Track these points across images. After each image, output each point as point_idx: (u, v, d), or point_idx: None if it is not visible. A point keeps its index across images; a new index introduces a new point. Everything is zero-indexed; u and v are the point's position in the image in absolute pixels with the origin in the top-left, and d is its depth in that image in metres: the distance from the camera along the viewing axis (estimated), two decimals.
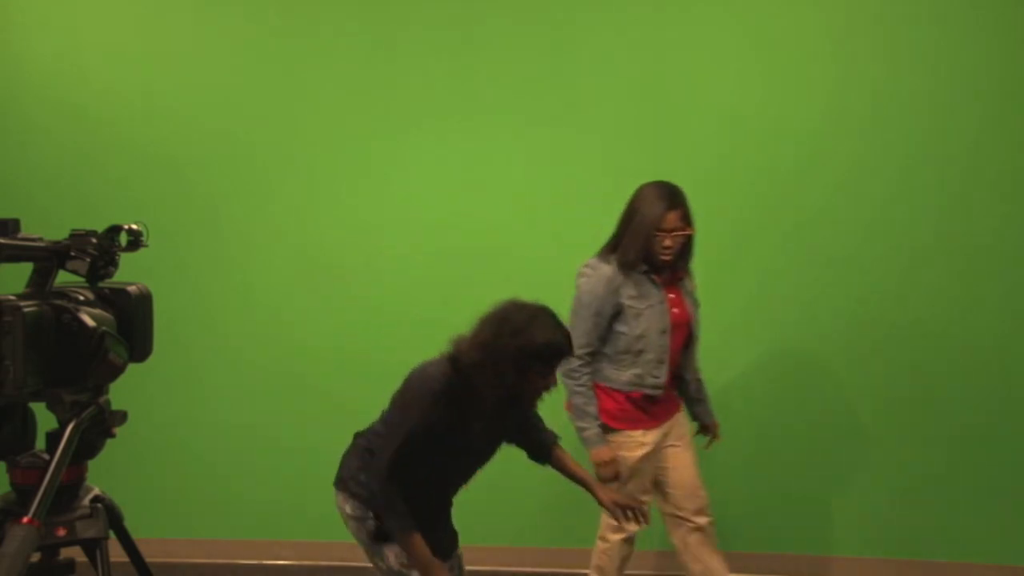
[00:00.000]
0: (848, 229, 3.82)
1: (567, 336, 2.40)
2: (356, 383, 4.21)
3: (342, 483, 2.67)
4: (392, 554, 2.51)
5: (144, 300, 1.56)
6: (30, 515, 1.22)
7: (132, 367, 1.55)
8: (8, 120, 4.14)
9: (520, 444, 2.70)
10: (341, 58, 3.99)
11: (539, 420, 2.70)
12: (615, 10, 3.89)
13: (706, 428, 3.23)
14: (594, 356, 2.96)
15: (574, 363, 2.91)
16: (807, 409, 3.92)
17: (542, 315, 2.39)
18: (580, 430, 2.96)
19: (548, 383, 2.41)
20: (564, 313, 2.66)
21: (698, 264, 3.14)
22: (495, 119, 3.98)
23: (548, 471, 2.73)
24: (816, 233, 3.83)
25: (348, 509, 2.60)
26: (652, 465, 3.03)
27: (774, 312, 3.88)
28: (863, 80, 3.79)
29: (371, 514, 2.53)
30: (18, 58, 4.12)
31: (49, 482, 1.26)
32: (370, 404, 4.20)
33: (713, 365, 3.49)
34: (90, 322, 1.39)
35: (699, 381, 3.17)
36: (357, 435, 2.75)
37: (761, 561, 3.90)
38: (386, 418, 2.57)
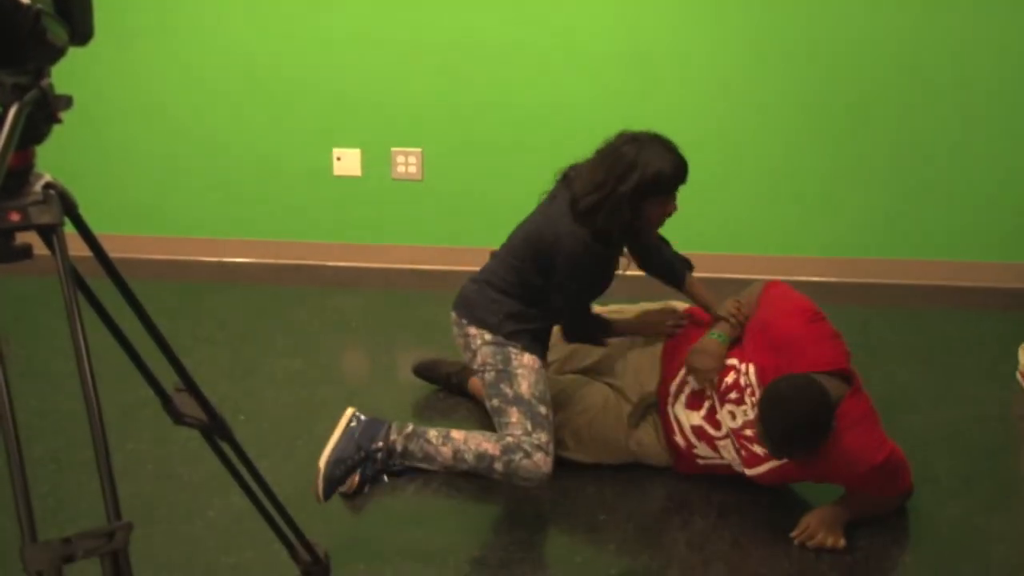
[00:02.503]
0: None
1: (680, 161, 2.47)
2: (315, 84, 4.14)
3: (480, 321, 2.69)
4: (526, 383, 2.59)
5: None
6: None
7: (73, 51, 1.48)
8: None
9: (651, 271, 2.88)
10: None
11: (666, 244, 2.87)
12: None
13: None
14: None
15: None
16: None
17: (651, 144, 2.47)
18: None
19: (668, 211, 2.54)
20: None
21: None
22: None
23: None
24: None
25: (488, 336, 2.65)
26: None
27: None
28: None
29: (512, 344, 2.64)
30: None
31: None
32: (328, 105, 4.16)
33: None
34: None
35: None
36: (473, 280, 2.80)
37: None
38: (559, 287, 2.64)
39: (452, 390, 3.21)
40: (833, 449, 2.40)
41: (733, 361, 2.65)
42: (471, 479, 2.72)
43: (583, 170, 2.62)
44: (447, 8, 3.97)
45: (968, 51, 3.86)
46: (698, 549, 2.51)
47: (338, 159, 4.20)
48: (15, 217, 1.35)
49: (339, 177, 4.22)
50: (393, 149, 4.17)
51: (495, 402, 2.64)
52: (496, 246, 4.05)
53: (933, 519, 2.62)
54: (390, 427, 2.64)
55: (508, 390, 2.61)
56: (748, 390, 2.56)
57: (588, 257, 2.56)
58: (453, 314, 2.78)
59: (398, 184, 4.21)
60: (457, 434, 2.63)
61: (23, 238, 1.41)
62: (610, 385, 2.84)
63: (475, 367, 2.73)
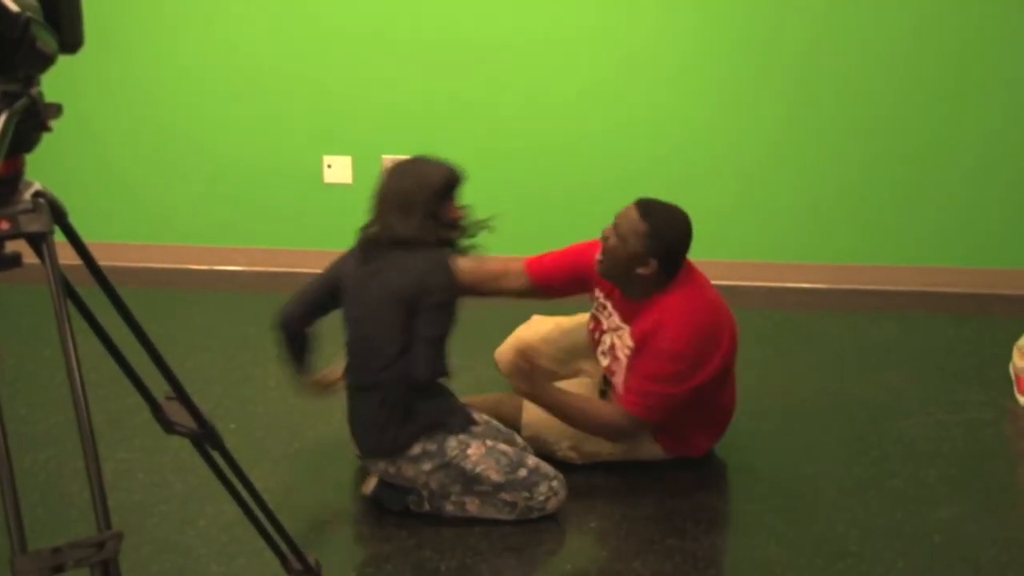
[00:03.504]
0: None
1: (452, 166, 2.57)
2: (306, 92, 4.14)
3: (400, 456, 2.54)
4: (493, 470, 2.53)
5: None
6: None
7: (63, 60, 1.47)
8: None
9: None
10: None
11: None
12: None
13: None
14: None
15: None
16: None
17: (420, 163, 2.58)
18: None
19: (462, 213, 2.60)
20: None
21: None
22: None
23: None
24: None
25: (427, 467, 2.53)
26: None
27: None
28: None
29: (448, 451, 2.53)
30: None
31: None
32: (319, 112, 4.16)
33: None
34: (13, 7, 1.30)
35: None
36: (356, 412, 2.64)
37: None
38: (429, 329, 2.52)
39: None
40: (664, 318, 2.59)
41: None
42: None
43: (379, 218, 2.57)
44: (438, 16, 3.97)
45: (963, 59, 3.87)
46: (691, 556, 2.51)
47: (329, 167, 4.19)
48: (5, 226, 1.35)
49: (330, 184, 4.21)
50: (384, 156, 4.17)
51: (482, 495, 2.57)
52: (483, 253, 4.04)
53: (924, 523, 2.62)
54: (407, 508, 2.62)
55: (483, 487, 2.54)
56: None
57: (456, 280, 2.54)
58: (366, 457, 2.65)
59: None
60: (472, 507, 2.59)
61: (13, 247, 1.41)
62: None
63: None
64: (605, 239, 2.63)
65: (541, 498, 2.57)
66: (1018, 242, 4.05)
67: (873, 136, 3.99)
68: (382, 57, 4.03)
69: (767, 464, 2.89)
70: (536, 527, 2.62)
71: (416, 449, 2.53)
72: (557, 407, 2.64)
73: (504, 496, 2.55)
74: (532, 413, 2.81)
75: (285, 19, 4.01)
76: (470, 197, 4.17)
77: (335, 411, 3.18)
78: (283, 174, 4.21)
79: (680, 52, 3.95)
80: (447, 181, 2.56)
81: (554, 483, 2.59)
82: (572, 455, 2.82)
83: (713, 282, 3.84)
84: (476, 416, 2.66)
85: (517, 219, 4.12)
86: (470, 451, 2.53)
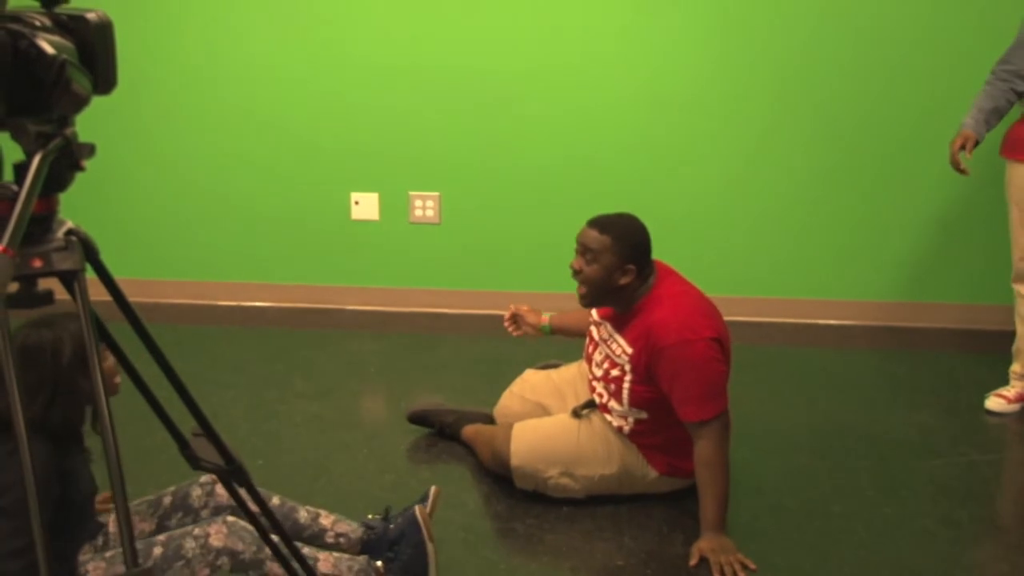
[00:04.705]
0: None
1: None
2: (333, 129, 4.18)
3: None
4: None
5: (105, 28, 1.48)
6: (3, 244, 1.20)
7: (97, 100, 1.50)
8: None
9: None
10: None
11: None
12: None
13: None
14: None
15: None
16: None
17: (64, 321, 2.10)
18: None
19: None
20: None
21: None
22: None
23: None
24: None
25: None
26: None
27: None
28: None
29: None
30: None
31: (21, 211, 1.24)
32: (346, 149, 4.21)
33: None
34: (49, 49, 1.33)
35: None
36: None
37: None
38: None
39: (445, 438, 3.22)
40: (652, 315, 2.65)
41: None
42: (489, 523, 2.71)
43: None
44: (465, 55, 4.01)
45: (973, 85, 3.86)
46: None
47: (356, 203, 4.22)
48: (37, 263, 1.36)
49: (357, 221, 4.24)
50: (411, 193, 4.19)
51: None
52: (514, 289, 4.07)
53: (956, 565, 2.58)
54: None
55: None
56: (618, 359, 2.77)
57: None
58: None
59: (416, 228, 4.23)
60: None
61: (45, 284, 1.42)
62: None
63: None
64: (578, 271, 2.74)
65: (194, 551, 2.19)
66: None
67: (904, 172, 3.97)
68: (408, 94, 4.07)
69: (796, 503, 2.86)
70: (560, 568, 2.60)
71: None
72: (716, 497, 2.62)
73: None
74: (520, 443, 2.83)
75: (313, 59, 4.06)
76: (497, 233, 4.20)
77: (361, 448, 3.18)
78: (310, 211, 4.25)
79: (709, 98, 3.96)
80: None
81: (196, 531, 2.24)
82: (566, 481, 2.82)
83: (739, 318, 3.84)
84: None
85: (547, 254, 4.13)
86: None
